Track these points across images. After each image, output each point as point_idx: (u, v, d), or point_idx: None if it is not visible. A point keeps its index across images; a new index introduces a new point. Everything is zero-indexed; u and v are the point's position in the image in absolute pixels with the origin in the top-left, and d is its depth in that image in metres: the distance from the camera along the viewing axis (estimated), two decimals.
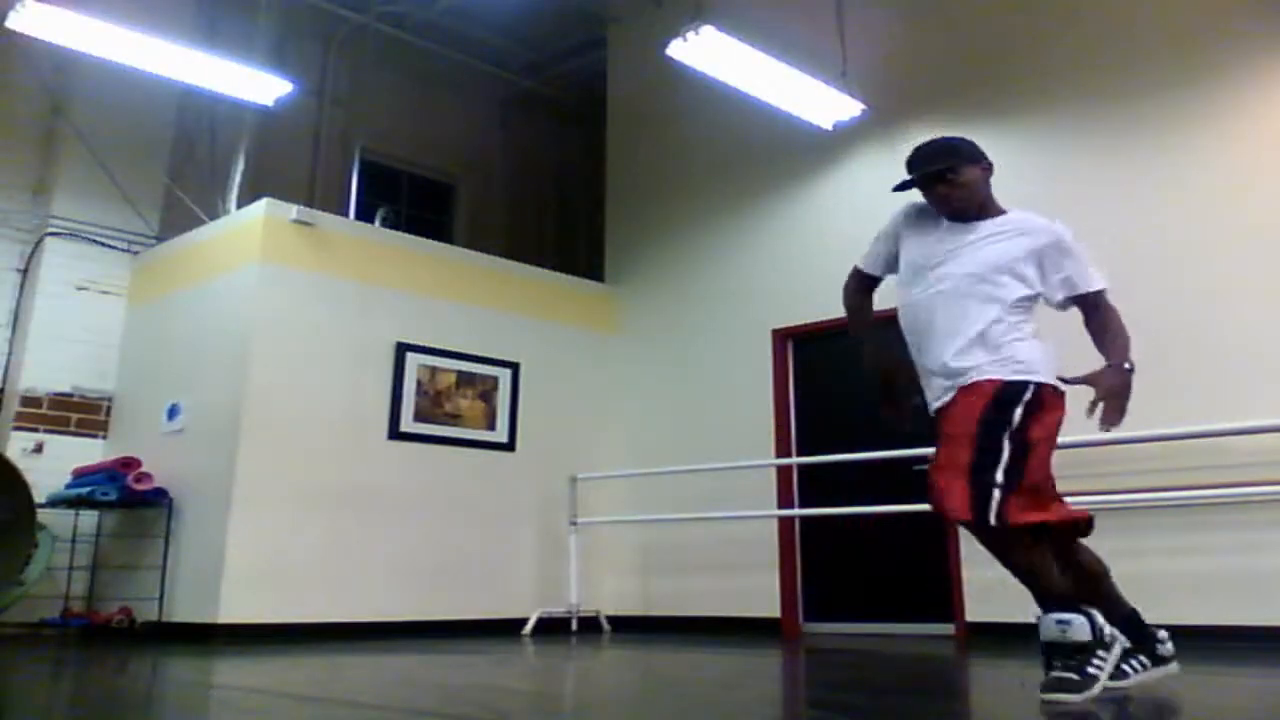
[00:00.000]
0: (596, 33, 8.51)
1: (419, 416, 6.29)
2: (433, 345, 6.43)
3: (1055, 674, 2.42)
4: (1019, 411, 2.59)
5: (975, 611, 5.47)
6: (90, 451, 6.32)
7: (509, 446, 6.69)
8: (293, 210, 6.01)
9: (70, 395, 6.38)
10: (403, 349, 6.29)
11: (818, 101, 6.15)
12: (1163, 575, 4.95)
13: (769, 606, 6.21)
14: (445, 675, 3.57)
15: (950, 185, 2.83)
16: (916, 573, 5.88)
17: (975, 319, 2.69)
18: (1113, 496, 4.95)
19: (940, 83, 6.34)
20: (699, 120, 7.34)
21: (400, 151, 8.97)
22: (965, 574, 5.54)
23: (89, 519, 6.07)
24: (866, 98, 6.26)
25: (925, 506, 5.47)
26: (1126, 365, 2.71)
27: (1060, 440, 5.14)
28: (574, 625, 6.36)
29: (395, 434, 6.16)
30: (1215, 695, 3.00)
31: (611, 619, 6.67)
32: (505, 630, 6.13)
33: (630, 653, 4.89)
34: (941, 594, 5.64)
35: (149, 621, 5.58)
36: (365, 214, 8.09)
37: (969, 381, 2.66)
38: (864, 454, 5.61)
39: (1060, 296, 2.81)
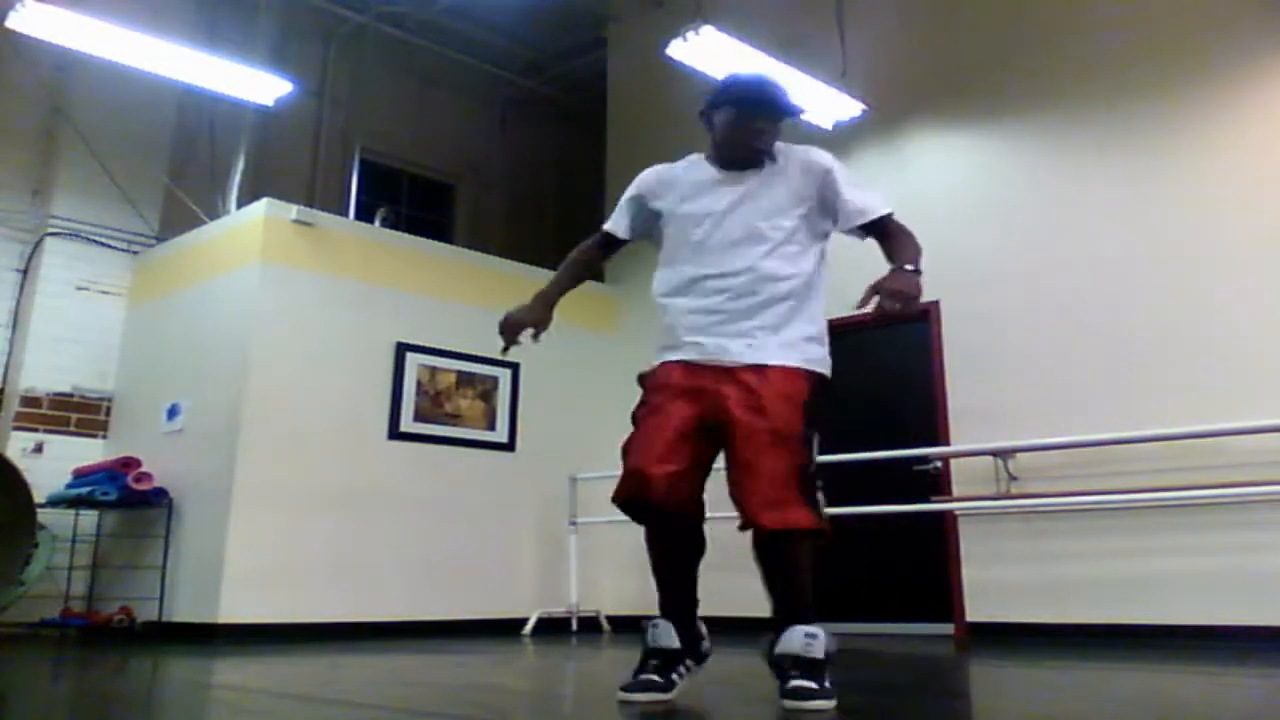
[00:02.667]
0: (596, 33, 8.51)
1: (419, 416, 6.28)
2: (433, 345, 6.43)
3: (798, 683, 2.30)
4: None
5: (975, 611, 5.47)
6: (90, 451, 6.31)
7: (509, 446, 6.69)
8: (293, 210, 6.01)
9: (70, 395, 6.38)
10: (403, 349, 6.29)
11: (818, 101, 6.15)
12: (1163, 575, 4.95)
13: (769, 606, 6.20)
14: (445, 675, 3.56)
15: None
16: (916, 573, 5.88)
17: None
18: (1113, 496, 4.96)
19: (940, 83, 6.35)
20: (699, 120, 7.33)
21: (400, 151, 8.97)
22: (965, 574, 5.54)
23: (89, 519, 6.06)
24: (866, 98, 6.26)
25: (925, 506, 5.50)
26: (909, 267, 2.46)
27: (1061, 440, 5.19)
28: (574, 625, 6.36)
29: (395, 434, 6.16)
30: (1215, 695, 3.00)
31: (611, 619, 6.66)
32: (505, 630, 6.13)
33: (630, 653, 4.87)
34: (941, 594, 5.64)
35: (149, 621, 5.58)
36: (365, 214, 8.09)
37: None
38: (864, 454, 5.61)
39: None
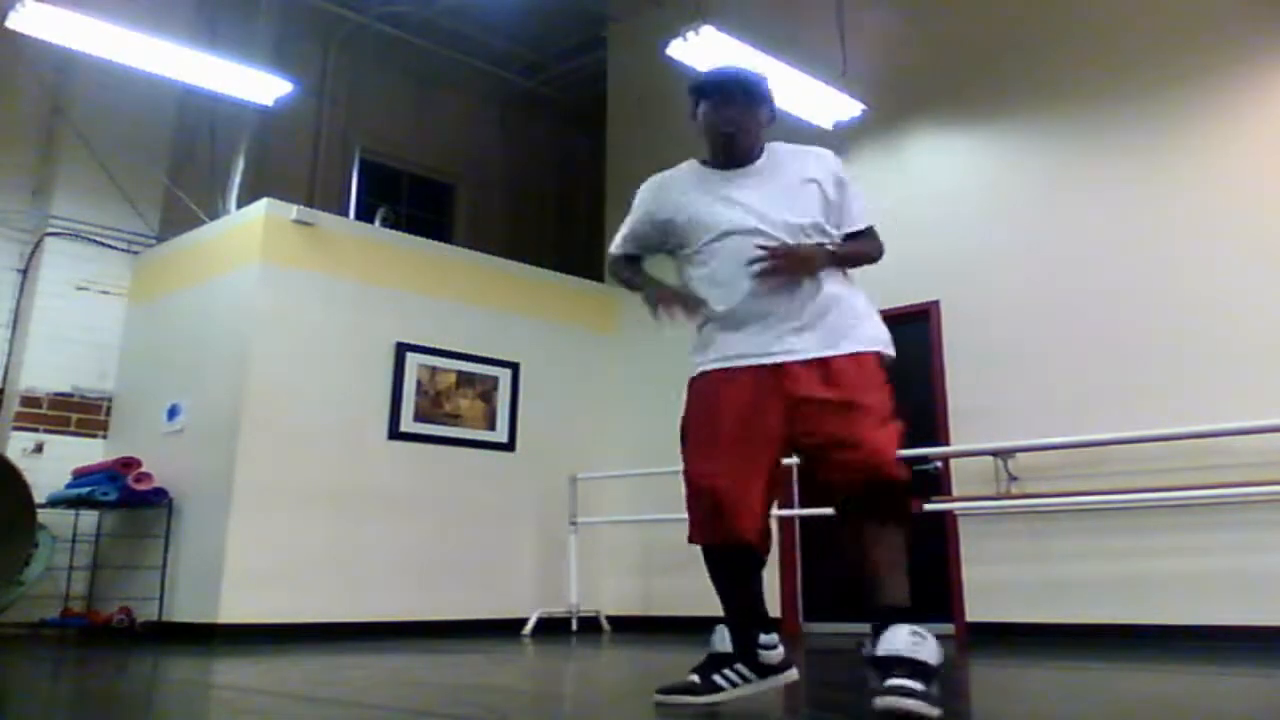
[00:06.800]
0: (596, 33, 8.51)
1: (419, 416, 6.28)
2: (433, 345, 6.43)
3: (899, 681, 2.21)
4: None
5: (975, 611, 5.47)
6: (90, 451, 6.31)
7: (509, 446, 6.69)
8: (293, 210, 6.01)
9: (70, 395, 6.38)
10: (403, 349, 6.29)
11: (818, 101, 6.15)
12: (1163, 575, 4.95)
13: (769, 606, 6.20)
14: (445, 675, 3.56)
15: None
16: (916, 573, 5.86)
17: None
18: (1113, 496, 4.96)
19: (940, 83, 6.35)
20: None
21: (400, 151, 8.98)
22: (965, 574, 5.54)
23: (89, 519, 6.07)
24: (866, 98, 6.26)
25: (925, 507, 5.49)
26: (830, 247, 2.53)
27: (1061, 440, 5.19)
28: (574, 625, 6.36)
29: (395, 434, 6.16)
30: (1215, 695, 3.00)
31: (611, 619, 6.66)
32: (505, 630, 6.13)
33: (630, 653, 4.89)
34: (941, 594, 5.64)
35: (149, 621, 5.58)
36: (365, 214, 8.09)
37: None
38: None
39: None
